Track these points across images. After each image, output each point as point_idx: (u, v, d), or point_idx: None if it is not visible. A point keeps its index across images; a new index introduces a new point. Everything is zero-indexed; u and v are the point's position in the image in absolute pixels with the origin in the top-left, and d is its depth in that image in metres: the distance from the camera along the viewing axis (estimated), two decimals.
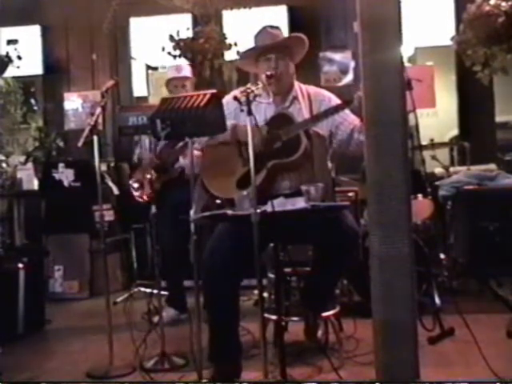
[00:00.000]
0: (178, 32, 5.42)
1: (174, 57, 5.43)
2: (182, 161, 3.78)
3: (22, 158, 5.74)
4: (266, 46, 2.83)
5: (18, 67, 5.88)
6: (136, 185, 3.83)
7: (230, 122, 2.68)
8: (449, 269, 4.13)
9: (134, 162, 4.14)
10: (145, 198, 3.67)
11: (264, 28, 2.91)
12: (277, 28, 2.93)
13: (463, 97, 5.75)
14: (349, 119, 2.82)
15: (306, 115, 2.82)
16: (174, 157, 3.82)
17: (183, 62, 5.32)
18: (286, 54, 2.85)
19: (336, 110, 2.75)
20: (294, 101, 2.89)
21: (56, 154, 5.95)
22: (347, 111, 2.81)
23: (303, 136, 2.71)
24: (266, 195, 2.43)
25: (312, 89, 2.97)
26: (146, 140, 3.94)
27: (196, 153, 3.60)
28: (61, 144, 5.97)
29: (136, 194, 3.85)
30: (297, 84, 2.94)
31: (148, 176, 3.56)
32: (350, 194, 3.97)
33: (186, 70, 4.14)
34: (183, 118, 2.48)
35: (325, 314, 2.96)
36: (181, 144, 3.77)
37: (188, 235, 2.68)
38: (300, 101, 2.88)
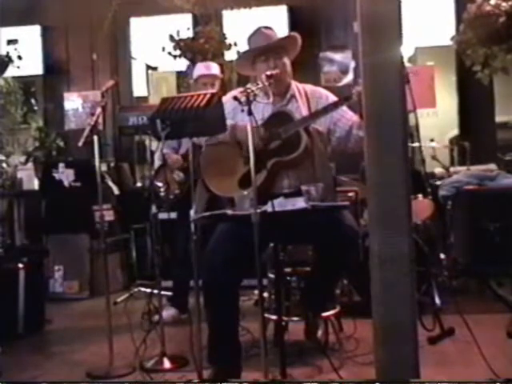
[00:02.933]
0: (178, 32, 5.43)
1: (174, 57, 5.44)
2: None
3: (23, 158, 5.76)
4: (262, 48, 2.83)
5: (18, 67, 5.89)
6: (161, 184, 3.80)
7: (228, 122, 2.67)
8: (449, 269, 4.13)
9: (160, 163, 4.10)
10: (171, 197, 3.66)
11: (258, 29, 2.90)
12: (270, 28, 2.92)
13: (463, 97, 5.75)
14: (347, 116, 2.82)
15: (305, 113, 2.81)
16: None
17: (183, 62, 5.33)
18: (282, 53, 2.85)
19: (335, 105, 2.74)
20: (291, 99, 2.89)
21: (56, 154, 5.97)
22: (345, 108, 2.81)
23: (303, 133, 2.70)
24: (267, 194, 2.43)
25: (309, 87, 2.97)
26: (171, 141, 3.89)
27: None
28: (61, 144, 5.99)
29: (162, 193, 3.80)
30: (293, 83, 2.94)
31: (175, 177, 3.55)
32: (350, 194, 3.97)
33: (216, 69, 4.02)
34: (183, 118, 2.48)
35: (325, 314, 2.97)
36: None
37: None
38: (298, 99, 2.87)
